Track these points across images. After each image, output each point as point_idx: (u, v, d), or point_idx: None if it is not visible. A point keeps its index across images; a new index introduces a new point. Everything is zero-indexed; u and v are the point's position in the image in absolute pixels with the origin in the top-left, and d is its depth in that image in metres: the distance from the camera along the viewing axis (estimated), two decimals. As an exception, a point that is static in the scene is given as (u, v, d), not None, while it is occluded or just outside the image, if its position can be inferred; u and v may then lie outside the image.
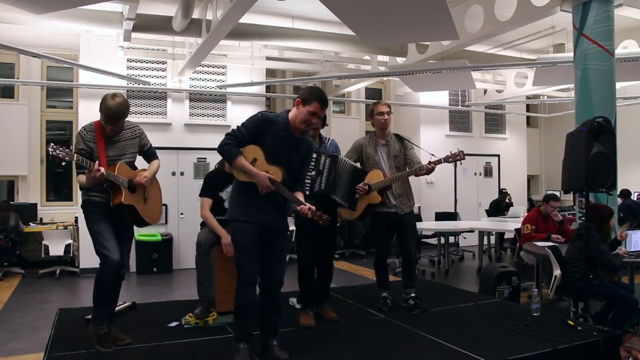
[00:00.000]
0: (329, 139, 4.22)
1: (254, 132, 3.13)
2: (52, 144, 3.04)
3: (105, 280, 3.29)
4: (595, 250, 4.32)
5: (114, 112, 3.23)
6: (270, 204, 3.18)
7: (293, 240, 8.69)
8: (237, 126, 3.17)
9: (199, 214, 4.28)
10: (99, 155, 3.29)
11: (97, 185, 3.28)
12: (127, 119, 3.46)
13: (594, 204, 4.74)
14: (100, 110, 3.27)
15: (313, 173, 3.90)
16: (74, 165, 3.19)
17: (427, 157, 4.26)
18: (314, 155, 3.89)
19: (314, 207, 3.17)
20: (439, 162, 4.08)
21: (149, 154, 3.66)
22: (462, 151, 4.09)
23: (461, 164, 4.15)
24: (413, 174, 4.23)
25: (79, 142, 3.30)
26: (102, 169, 3.13)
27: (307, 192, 3.86)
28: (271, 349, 3.18)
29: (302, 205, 3.14)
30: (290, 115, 3.21)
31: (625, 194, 9.65)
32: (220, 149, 3.13)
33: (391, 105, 5.15)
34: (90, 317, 3.49)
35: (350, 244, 10.05)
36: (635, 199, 10.14)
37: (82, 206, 3.40)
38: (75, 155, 3.10)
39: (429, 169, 4.10)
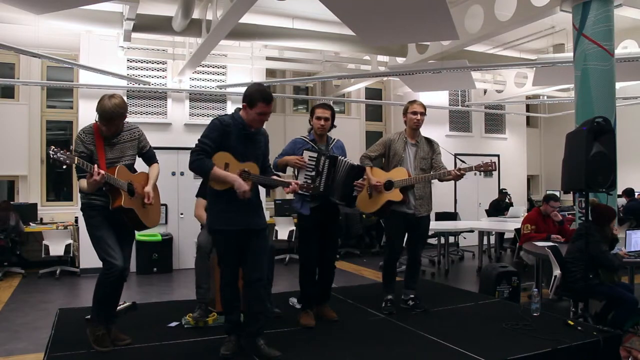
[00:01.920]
0: (334, 140, 4.19)
1: (217, 139, 3.19)
2: (53, 147, 3.00)
3: (107, 286, 3.29)
4: (596, 249, 4.32)
5: (109, 112, 3.21)
6: (246, 205, 3.24)
7: (294, 240, 8.79)
8: (199, 139, 3.20)
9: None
10: (98, 158, 3.26)
11: (98, 189, 3.26)
12: (126, 120, 3.45)
13: (597, 204, 4.74)
14: (96, 110, 3.25)
15: (313, 173, 3.89)
16: (74, 168, 3.17)
17: (447, 159, 4.23)
18: (315, 155, 3.89)
19: (299, 182, 3.46)
20: (469, 169, 4.05)
21: (148, 156, 3.63)
22: (494, 162, 4.06)
23: (491, 175, 4.19)
24: (437, 178, 4.19)
25: (79, 145, 3.27)
26: (102, 172, 3.11)
27: (308, 193, 3.86)
28: (260, 348, 3.22)
29: (290, 186, 3.35)
30: (242, 114, 3.28)
31: (629, 192, 9.62)
32: (192, 166, 3.17)
33: (391, 105, 5.14)
34: (89, 317, 3.49)
35: (346, 243, 10.04)
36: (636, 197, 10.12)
37: (82, 209, 3.37)
38: (76, 158, 3.07)
39: (456, 175, 4.06)
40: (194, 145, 3.20)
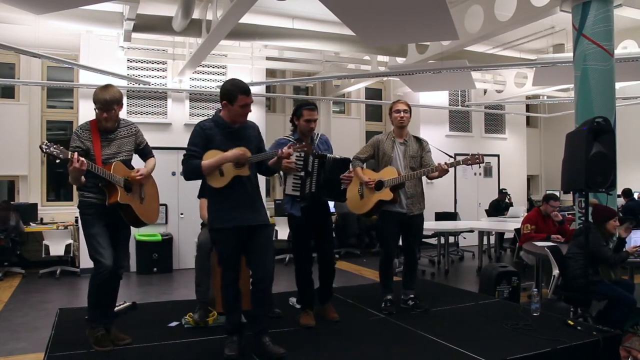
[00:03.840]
0: (318, 134, 4.14)
1: (202, 144, 3.21)
2: (46, 142, 3.01)
3: (98, 285, 3.28)
4: (595, 243, 4.34)
5: (107, 98, 3.24)
6: (247, 200, 3.26)
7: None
8: (185, 148, 3.24)
9: (198, 214, 4.27)
10: (95, 154, 3.27)
11: (94, 186, 3.27)
12: (125, 117, 3.46)
13: (595, 204, 4.75)
14: (94, 101, 3.27)
15: (302, 174, 3.84)
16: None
17: (441, 160, 4.22)
18: (302, 155, 3.85)
19: (293, 145, 3.42)
20: (457, 163, 4.05)
21: (145, 152, 3.63)
22: (481, 155, 4.04)
23: (480, 167, 4.13)
24: (425, 174, 4.18)
25: (74, 140, 3.27)
26: (83, 159, 3.07)
27: (298, 193, 3.85)
28: (265, 345, 3.22)
29: (281, 152, 3.30)
30: (223, 114, 3.29)
31: (628, 193, 9.63)
32: (185, 172, 3.22)
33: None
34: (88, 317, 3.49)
35: (345, 243, 10.04)
36: (636, 198, 10.13)
37: (79, 207, 3.38)
38: (70, 152, 3.05)
39: (442, 170, 4.03)
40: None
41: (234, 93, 3.18)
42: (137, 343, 3.43)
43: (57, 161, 3.03)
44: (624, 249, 4.63)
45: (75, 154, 3.07)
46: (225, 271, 3.28)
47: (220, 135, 3.23)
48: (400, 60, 8.19)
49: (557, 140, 8.72)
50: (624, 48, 7.60)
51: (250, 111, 3.29)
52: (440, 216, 9.71)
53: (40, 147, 2.99)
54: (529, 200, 12.31)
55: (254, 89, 8.87)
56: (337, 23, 6.53)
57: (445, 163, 4.04)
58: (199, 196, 4.26)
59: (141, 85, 8.28)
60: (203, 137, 3.21)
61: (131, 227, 3.52)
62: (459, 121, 11.45)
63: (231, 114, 3.24)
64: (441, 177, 4.16)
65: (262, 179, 4.33)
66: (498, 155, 11.72)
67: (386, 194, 4.15)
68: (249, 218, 3.24)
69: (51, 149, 2.98)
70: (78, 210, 3.41)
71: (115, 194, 3.26)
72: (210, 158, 3.17)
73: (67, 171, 3.18)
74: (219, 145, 3.21)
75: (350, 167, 4.18)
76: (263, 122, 8.88)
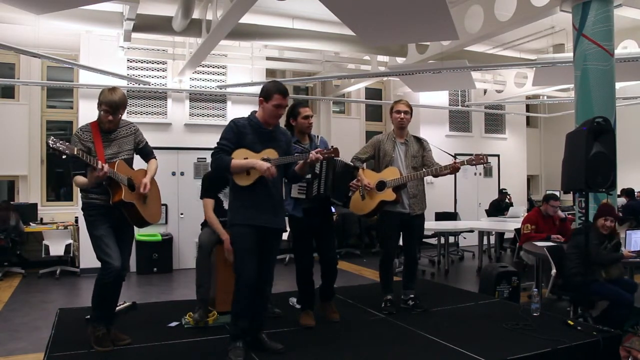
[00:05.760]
0: (318, 136, 4.15)
1: (234, 139, 3.25)
2: (52, 137, 3.01)
3: (105, 286, 3.28)
4: (592, 244, 4.35)
5: (117, 101, 3.27)
6: (268, 202, 3.26)
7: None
8: (217, 142, 3.27)
9: (200, 214, 4.26)
10: (97, 154, 3.26)
11: (98, 186, 3.26)
12: (125, 118, 3.47)
13: (603, 203, 4.78)
14: (101, 102, 3.27)
15: (309, 176, 3.83)
16: (70, 166, 3.16)
17: (445, 160, 4.20)
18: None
19: (321, 150, 3.43)
20: (462, 163, 4.06)
21: (146, 152, 3.63)
22: (485, 155, 4.06)
23: (484, 168, 4.16)
24: (432, 174, 4.17)
25: (76, 143, 3.23)
26: (106, 167, 3.12)
27: (304, 196, 3.85)
28: (263, 342, 3.27)
29: (311, 156, 3.31)
30: (258, 114, 3.35)
31: (629, 192, 9.61)
32: (213, 165, 3.27)
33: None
34: (89, 317, 3.49)
35: (345, 243, 10.04)
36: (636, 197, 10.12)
37: (83, 209, 3.37)
38: (75, 149, 3.04)
39: (454, 168, 4.03)
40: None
41: (271, 91, 3.27)
42: (137, 343, 3.44)
43: (63, 157, 3.01)
44: (620, 250, 4.64)
45: (98, 162, 3.09)
46: (242, 273, 3.16)
47: (252, 135, 3.28)
48: (400, 60, 8.19)
49: (557, 140, 8.72)
50: (624, 48, 7.61)
51: (282, 113, 3.35)
52: (440, 216, 9.71)
53: (47, 143, 3.01)
54: (529, 200, 12.31)
55: (253, 89, 8.96)
56: (337, 23, 6.53)
57: (455, 162, 4.04)
58: (202, 197, 4.27)
59: (141, 85, 8.28)
60: (235, 133, 3.26)
61: (134, 227, 3.51)
62: (459, 121, 11.45)
63: (265, 113, 3.30)
64: (452, 174, 4.17)
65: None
66: (498, 155, 11.71)
67: (388, 195, 4.15)
68: (269, 220, 3.26)
69: (57, 144, 2.98)
70: (82, 212, 3.39)
71: (119, 192, 3.25)
72: (240, 157, 3.20)
73: (71, 169, 3.21)
74: (249, 144, 3.25)
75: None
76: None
